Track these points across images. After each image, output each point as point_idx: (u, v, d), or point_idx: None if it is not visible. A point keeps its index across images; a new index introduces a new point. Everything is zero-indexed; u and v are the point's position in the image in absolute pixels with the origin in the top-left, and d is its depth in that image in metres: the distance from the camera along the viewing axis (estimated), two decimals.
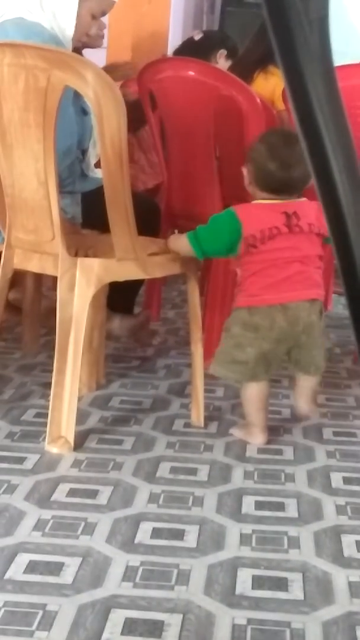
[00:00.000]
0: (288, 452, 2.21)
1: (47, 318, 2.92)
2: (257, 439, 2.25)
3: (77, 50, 2.44)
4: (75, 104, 2.39)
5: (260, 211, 2.18)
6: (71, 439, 2.12)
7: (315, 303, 2.22)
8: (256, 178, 2.19)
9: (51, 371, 2.15)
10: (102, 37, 2.63)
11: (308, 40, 0.39)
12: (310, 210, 2.19)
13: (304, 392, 2.33)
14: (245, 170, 2.22)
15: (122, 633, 1.38)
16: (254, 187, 2.21)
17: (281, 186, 2.16)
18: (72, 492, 1.91)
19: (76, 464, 2.06)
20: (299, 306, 2.18)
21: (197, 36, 3.88)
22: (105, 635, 1.37)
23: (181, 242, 2.23)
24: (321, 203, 0.44)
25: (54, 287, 2.97)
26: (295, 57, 0.39)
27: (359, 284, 0.44)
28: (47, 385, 2.23)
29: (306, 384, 2.32)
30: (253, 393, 2.24)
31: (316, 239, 2.20)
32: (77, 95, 2.26)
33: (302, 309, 2.19)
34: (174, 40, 5.11)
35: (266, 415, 2.28)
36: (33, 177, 2.05)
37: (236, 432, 2.31)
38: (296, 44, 0.39)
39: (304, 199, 2.22)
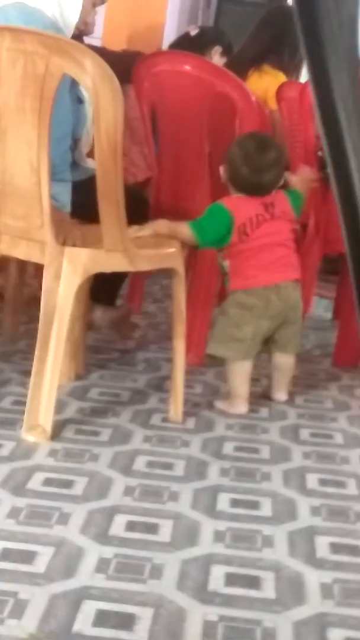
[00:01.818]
0: (264, 451, 2.22)
1: (28, 306, 2.91)
2: (240, 408, 2.47)
3: (74, 38, 2.43)
4: (71, 92, 2.38)
5: (243, 202, 2.42)
6: (48, 428, 2.11)
7: (297, 283, 2.49)
8: (231, 179, 2.44)
9: (30, 359, 2.14)
10: (94, 24, 2.67)
11: (336, 38, 0.39)
12: (282, 200, 2.47)
13: (281, 378, 2.58)
14: (222, 169, 2.47)
15: (93, 624, 1.38)
16: (229, 185, 2.47)
17: (252, 189, 2.42)
18: (47, 482, 1.90)
19: (52, 453, 2.06)
20: (288, 286, 2.44)
21: (194, 31, 3.88)
22: (76, 625, 1.37)
23: (182, 229, 2.39)
24: (337, 199, 0.44)
25: (36, 275, 2.96)
26: (321, 53, 0.39)
27: None
28: (26, 373, 2.22)
29: (284, 362, 2.55)
30: (240, 369, 2.46)
31: (289, 225, 2.48)
32: (73, 84, 2.25)
33: (291, 288, 2.45)
34: (169, 34, 5.10)
35: (249, 388, 2.49)
36: (26, 163, 2.04)
37: (219, 404, 2.51)
38: (324, 41, 0.39)
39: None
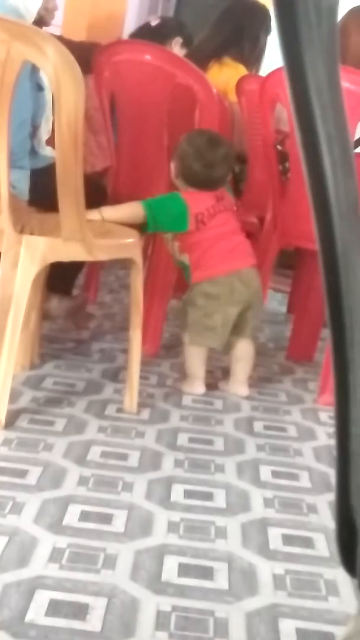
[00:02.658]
0: (219, 443, 2.23)
1: None
2: (199, 388, 2.59)
3: (35, 24, 2.40)
4: (31, 78, 2.35)
5: (198, 195, 2.51)
6: (2, 417, 2.09)
7: (256, 269, 2.58)
8: (182, 175, 2.52)
9: None
10: (54, 15, 2.65)
11: (313, 29, 0.39)
12: (226, 193, 2.58)
13: (241, 368, 2.62)
14: (172, 165, 2.54)
15: (47, 614, 1.37)
16: (179, 181, 2.54)
17: (204, 183, 2.50)
18: (1, 471, 1.88)
19: (6, 442, 2.04)
20: (249, 271, 2.54)
21: (154, 22, 3.86)
22: (29, 615, 1.36)
23: (133, 208, 2.46)
24: (308, 191, 0.44)
25: None
26: (297, 44, 0.39)
27: (339, 274, 0.44)
28: None
29: (243, 348, 2.60)
30: (197, 352, 2.57)
31: (236, 215, 2.61)
32: (32, 70, 2.22)
33: (252, 273, 2.55)
34: (129, 24, 5.08)
35: (204, 370, 2.60)
36: None
37: (179, 384, 2.61)
38: (301, 31, 0.39)
39: None
